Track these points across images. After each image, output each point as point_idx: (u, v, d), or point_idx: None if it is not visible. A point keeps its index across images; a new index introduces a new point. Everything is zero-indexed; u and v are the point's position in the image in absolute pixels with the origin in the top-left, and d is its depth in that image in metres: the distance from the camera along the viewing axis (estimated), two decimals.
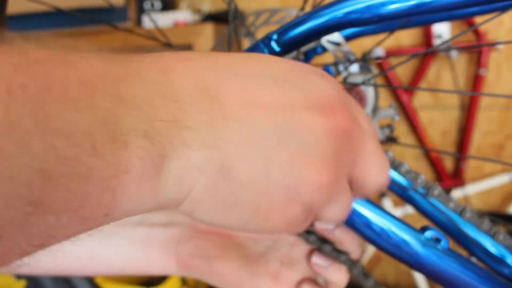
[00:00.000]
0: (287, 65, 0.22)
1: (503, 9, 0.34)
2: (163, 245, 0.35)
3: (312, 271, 0.36)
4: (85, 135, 0.15)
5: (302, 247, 0.36)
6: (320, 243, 0.35)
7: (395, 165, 0.35)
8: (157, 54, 0.19)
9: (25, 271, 0.37)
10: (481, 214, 0.35)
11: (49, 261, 0.35)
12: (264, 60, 0.21)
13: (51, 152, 0.14)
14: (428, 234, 0.30)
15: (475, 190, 1.41)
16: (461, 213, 0.33)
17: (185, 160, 0.17)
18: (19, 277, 0.47)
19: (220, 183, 0.18)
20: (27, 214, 0.14)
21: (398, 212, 1.35)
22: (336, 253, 0.34)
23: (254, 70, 0.20)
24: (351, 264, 0.35)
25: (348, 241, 0.33)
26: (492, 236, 0.34)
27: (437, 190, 0.34)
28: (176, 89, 0.18)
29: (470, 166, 1.43)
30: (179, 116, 0.17)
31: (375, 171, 0.23)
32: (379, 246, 0.31)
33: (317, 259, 0.35)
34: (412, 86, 1.38)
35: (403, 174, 0.35)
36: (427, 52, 1.33)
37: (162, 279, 1.15)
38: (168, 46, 0.41)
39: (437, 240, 0.31)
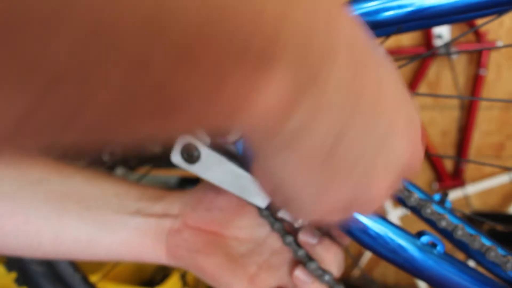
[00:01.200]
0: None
1: (500, 12, 0.34)
2: (155, 235, 0.37)
3: (292, 282, 0.36)
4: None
5: (284, 256, 0.37)
6: (307, 259, 0.34)
7: None
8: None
9: (27, 254, 0.38)
10: (473, 234, 0.34)
11: (49, 243, 0.36)
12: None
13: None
14: (424, 239, 0.31)
15: (475, 190, 1.41)
16: (452, 231, 0.33)
17: (319, 101, 0.17)
18: (19, 284, 0.47)
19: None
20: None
21: (398, 212, 1.35)
22: (321, 272, 0.34)
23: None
24: (334, 284, 0.35)
25: (329, 261, 0.34)
26: (484, 253, 0.34)
27: (429, 209, 0.34)
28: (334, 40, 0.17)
29: (470, 166, 1.43)
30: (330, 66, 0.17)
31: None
32: (376, 252, 0.31)
33: (299, 273, 0.35)
34: (413, 85, 1.38)
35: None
36: (427, 55, 1.33)
37: (162, 279, 1.14)
38: None
39: (433, 245, 0.31)
